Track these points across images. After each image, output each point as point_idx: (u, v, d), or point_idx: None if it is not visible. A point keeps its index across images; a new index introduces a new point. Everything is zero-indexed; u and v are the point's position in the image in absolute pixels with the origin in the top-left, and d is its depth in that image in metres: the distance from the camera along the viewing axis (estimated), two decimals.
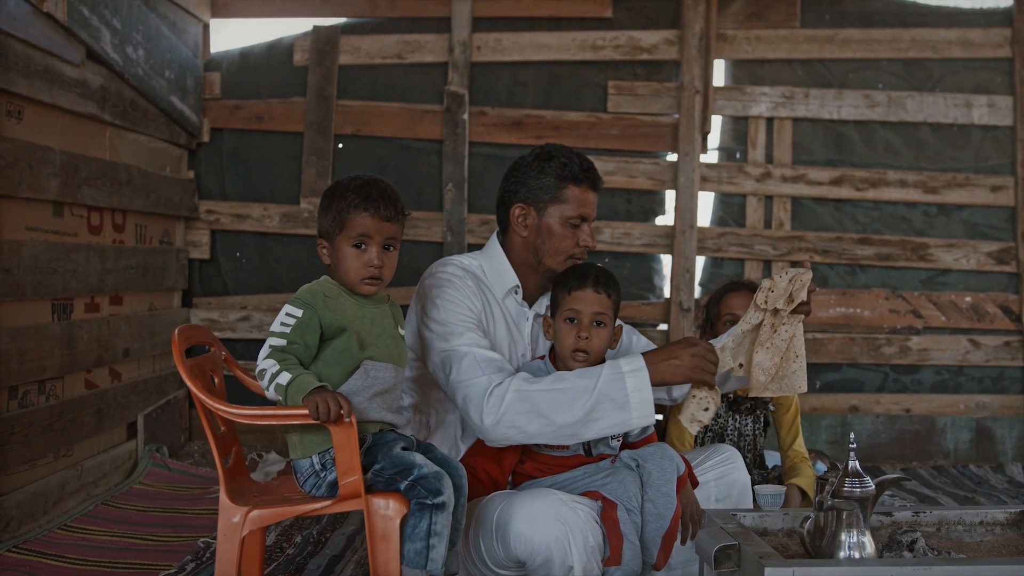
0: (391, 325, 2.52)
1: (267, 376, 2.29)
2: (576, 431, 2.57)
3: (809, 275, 2.65)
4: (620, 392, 2.54)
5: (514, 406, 2.55)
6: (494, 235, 2.99)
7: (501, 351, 2.83)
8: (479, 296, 2.82)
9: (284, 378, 2.27)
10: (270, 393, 2.32)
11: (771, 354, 2.67)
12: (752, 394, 2.71)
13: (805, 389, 2.72)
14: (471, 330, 2.71)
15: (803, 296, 2.63)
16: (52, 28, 3.68)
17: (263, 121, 5.29)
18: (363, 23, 5.39)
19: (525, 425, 2.55)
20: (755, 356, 2.69)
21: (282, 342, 2.33)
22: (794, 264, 5.29)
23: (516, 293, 2.90)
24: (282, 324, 2.35)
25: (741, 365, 2.75)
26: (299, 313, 2.35)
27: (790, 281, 2.65)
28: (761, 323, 2.69)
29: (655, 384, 2.58)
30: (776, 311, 2.67)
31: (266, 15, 5.44)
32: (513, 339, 2.89)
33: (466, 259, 2.94)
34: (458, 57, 5.26)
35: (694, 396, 2.65)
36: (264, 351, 2.33)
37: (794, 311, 2.67)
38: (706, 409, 2.64)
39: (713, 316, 3.68)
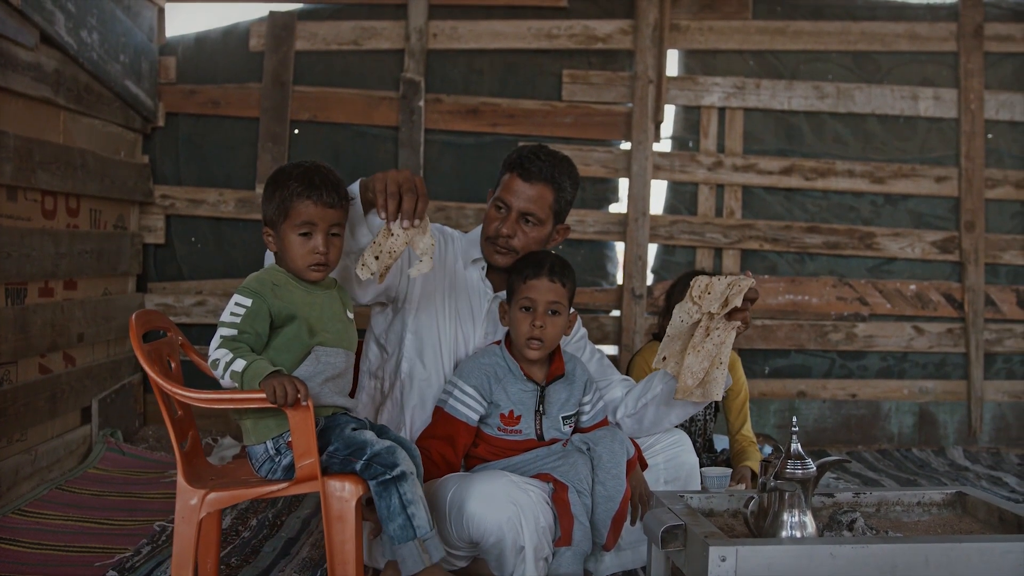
0: (340, 309, 2.55)
1: (221, 365, 2.32)
2: None
3: (749, 283, 2.63)
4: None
5: None
6: None
7: (440, 309, 2.92)
8: (440, 253, 2.93)
9: (239, 365, 2.30)
10: (225, 381, 2.34)
11: (701, 358, 2.67)
12: (678, 397, 2.71)
13: (720, 398, 2.73)
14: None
15: (737, 301, 2.62)
16: (6, 11, 3.65)
17: (219, 106, 5.27)
18: (319, 9, 5.39)
19: None
20: (686, 359, 2.68)
21: (233, 332, 2.35)
22: (746, 256, 5.40)
23: (482, 269, 2.96)
24: (232, 314, 2.37)
25: (665, 359, 2.76)
26: (248, 302, 2.38)
27: (728, 286, 2.63)
28: (697, 323, 2.71)
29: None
30: (711, 315, 2.68)
31: None
32: (457, 304, 2.94)
33: (449, 228, 3.07)
34: (414, 44, 5.28)
35: (373, 242, 2.52)
36: (215, 341, 2.35)
37: (730, 317, 2.66)
38: (376, 257, 2.51)
39: (673, 305, 3.74)
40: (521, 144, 3.00)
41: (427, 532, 2.36)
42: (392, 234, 2.49)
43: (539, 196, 2.89)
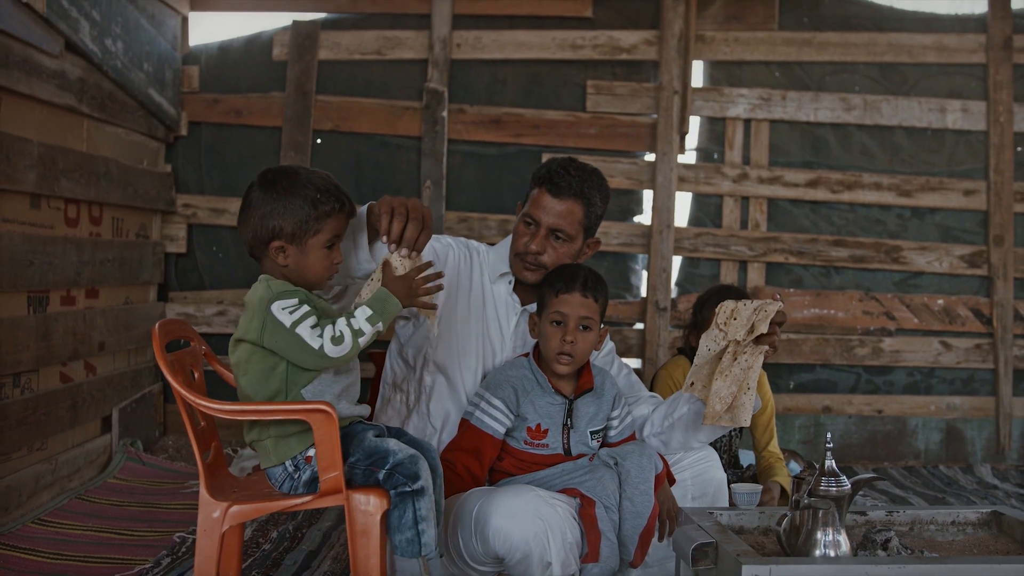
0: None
1: (347, 334, 2.27)
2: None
3: (776, 307, 2.58)
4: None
5: None
6: None
7: (464, 324, 2.88)
8: (455, 268, 2.90)
9: (363, 313, 2.30)
10: (365, 339, 2.29)
11: (729, 383, 2.62)
12: (706, 423, 2.66)
13: (748, 423, 2.67)
14: None
15: (763, 328, 2.57)
16: (31, 19, 3.65)
17: (241, 115, 5.27)
18: (343, 19, 5.38)
19: None
20: (714, 384, 2.63)
21: (312, 316, 2.28)
22: (771, 269, 5.35)
23: (510, 283, 2.92)
24: (290, 312, 2.28)
25: (692, 384, 2.71)
26: (294, 300, 2.30)
27: (754, 311, 2.59)
28: (724, 350, 2.66)
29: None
30: (738, 340, 2.62)
31: (245, 9, 5.43)
32: (487, 320, 2.90)
33: (475, 242, 3.02)
34: (438, 54, 5.26)
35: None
36: (308, 335, 2.26)
37: (758, 341, 2.61)
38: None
39: (702, 320, 3.68)
40: (550, 157, 2.96)
41: (432, 552, 2.32)
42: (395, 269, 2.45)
43: (568, 212, 2.83)
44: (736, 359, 2.62)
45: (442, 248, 2.90)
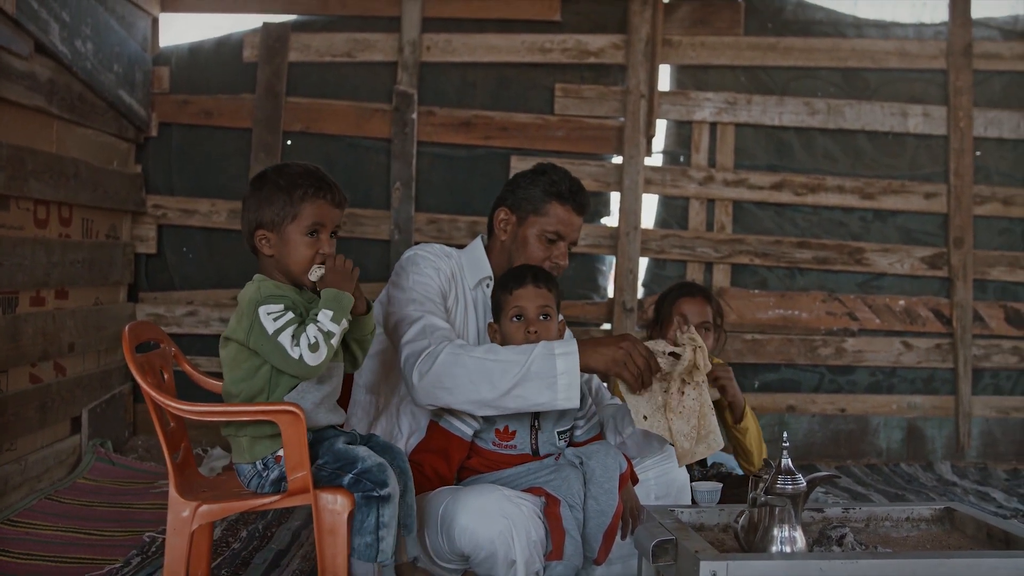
0: None
1: (320, 342, 2.29)
2: (499, 403, 2.60)
3: (698, 339, 2.66)
4: (549, 371, 2.57)
5: (443, 367, 2.59)
6: (480, 235, 3.09)
7: (462, 335, 2.91)
8: (450, 280, 2.92)
9: (325, 315, 2.30)
10: (336, 339, 2.32)
11: (686, 418, 2.68)
12: (682, 463, 2.73)
13: (723, 444, 2.73)
14: (431, 300, 2.80)
15: (707, 364, 2.67)
16: (0, 20, 3.65)
17: (212, 116, 5.28)
18: (313, 21, 5.40)
19: (451, 387, 2.59)
20: (672, 426, 2.68)
21: (291, 323, 2.31)
22: (736, 270, 5.41)
23: (487, 286, 2.98)
24: (274, 319, 2.31)
25: (646, 418, 2.72)
26: (279, 306, 2.33)
27: (692, 350, 2.65)
28: (668, 379, 2.69)
29: (581, 370, 2.60)
30: (684, 380, 2.68)
31: (216, 10, 5.44)
32: (467, 327, 2.95)
33: (449, 247, 3.05)
34: (408, 57, 5.30)
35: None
36: (288, 343, 2.28)
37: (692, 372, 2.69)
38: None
39: (664, 317, 3.72)
40: (536, 163, 3.06)
41: (387, 559, 2.36)
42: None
43: (581, 223, 3.06)
44: (683, 394, 2.69)
45: (445, 281, 2.93)
